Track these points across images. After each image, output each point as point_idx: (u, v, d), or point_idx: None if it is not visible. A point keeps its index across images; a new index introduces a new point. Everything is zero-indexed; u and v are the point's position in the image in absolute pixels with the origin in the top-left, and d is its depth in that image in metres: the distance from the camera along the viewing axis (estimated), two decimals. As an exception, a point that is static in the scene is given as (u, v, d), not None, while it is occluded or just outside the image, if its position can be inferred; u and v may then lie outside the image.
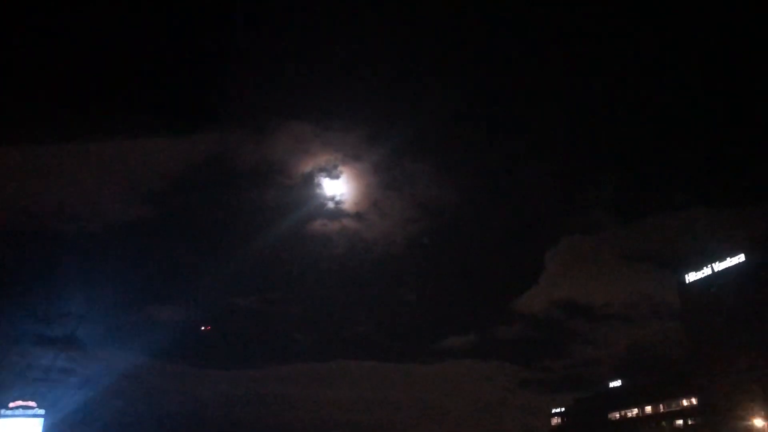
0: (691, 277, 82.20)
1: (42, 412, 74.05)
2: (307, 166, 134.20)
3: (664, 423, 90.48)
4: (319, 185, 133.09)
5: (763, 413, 69.88)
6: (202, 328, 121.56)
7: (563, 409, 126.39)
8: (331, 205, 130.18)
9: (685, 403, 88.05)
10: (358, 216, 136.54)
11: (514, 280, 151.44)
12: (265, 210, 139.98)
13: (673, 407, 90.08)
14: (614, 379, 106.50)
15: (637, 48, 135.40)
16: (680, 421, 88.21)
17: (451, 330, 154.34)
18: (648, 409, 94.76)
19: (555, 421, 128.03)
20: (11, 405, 74.41)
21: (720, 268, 78.14)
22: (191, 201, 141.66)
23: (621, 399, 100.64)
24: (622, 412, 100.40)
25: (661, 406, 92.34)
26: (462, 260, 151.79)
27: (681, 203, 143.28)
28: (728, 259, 77.07)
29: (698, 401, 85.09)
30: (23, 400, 74.10)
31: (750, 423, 70.77)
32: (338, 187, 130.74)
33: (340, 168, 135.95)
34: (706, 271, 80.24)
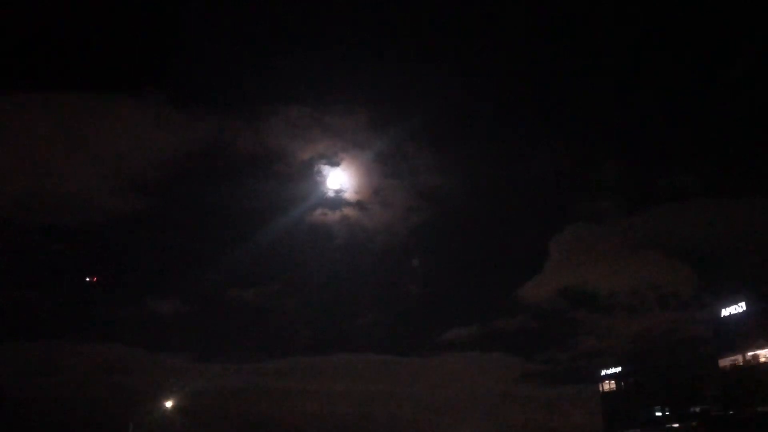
0: None
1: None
2: (306, 153, 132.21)
3: None
4: (318, 173, 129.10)
5: None
6: (87, 279, 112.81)
7: (620, 370, 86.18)
8: (331, 193, 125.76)
9: None
10: (359, 205, 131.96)
11: (518, 269, 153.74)
12: (263, 199, 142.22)
13: None
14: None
15: (643, 36, 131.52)
16: None
17: (454, 321, 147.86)
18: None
19: (607, 386, 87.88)
20: None
21: None
22: (187, 191, 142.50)
23: (746, 332, 59.93)
24: (748, 355, 59.86)
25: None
26: (465, 249, 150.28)
27: (687, 192, 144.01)
28: None
29: None
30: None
31: None
32: (338, 175, 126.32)
33: (341, 155, 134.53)
34: None
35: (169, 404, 49.08)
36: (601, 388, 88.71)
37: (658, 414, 78.36)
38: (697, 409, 73.87)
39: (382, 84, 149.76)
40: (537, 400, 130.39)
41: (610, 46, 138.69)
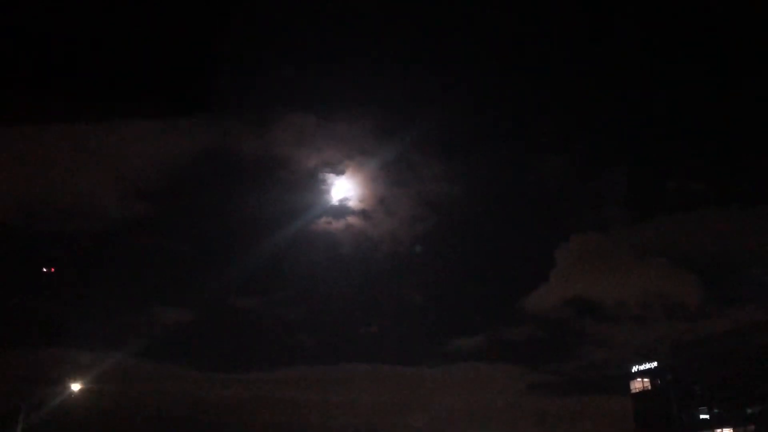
0: None
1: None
2: (310, 161, 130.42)
3: None
4: (323, 181, 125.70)
5: None
6: (44, 269, 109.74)
7: (655, 365, 73.93)
8: (335, 202, 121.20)
9: None
10: (363, 214, 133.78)
11: (524, 278, 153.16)
12: (267, 206, 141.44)
13: None
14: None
15: (650, 44, 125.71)
16: None
17: (459, 331, 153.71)
18: None
19: (639, 385, 75.69)
20: None
21: None
22: (191, 198, 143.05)
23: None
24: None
25: None
26: (470, 258, 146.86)
27: (694, 202, 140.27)
28: None
29: None
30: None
31: None
32: (343, 184, 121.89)
33: (346, 163, 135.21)
34: None
35: (76, 387, 37.79)
36: (632, 387, 76.56)
37: (705, 417, 66.22)
38: (750, 410, 62.20)
39: (389, 92, 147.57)
40: (544, 412, 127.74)
41: (617, 55, 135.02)
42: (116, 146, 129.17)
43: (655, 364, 73.84)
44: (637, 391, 75.52)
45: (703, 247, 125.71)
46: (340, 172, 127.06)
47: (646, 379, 74.95)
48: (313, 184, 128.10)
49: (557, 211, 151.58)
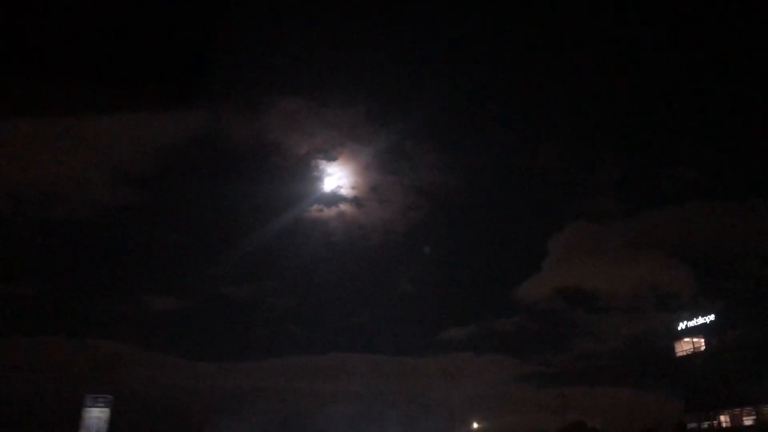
0: None
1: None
2: (302, 147, 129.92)
3: None
4: (315, 167, 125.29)
5: None
6: None
7: (712, 319, 54.47)
8: (327, 189, 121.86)
9: None
10: (356, 201, 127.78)
11: (516, 268, 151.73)
12: (257, 193, 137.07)
13: None
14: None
15: (645, 35, 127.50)
16: None
17: (450, 321, 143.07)
18: None
19: (686, 346, 56.60)
20: None
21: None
22: (180, 184, 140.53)
23: None
24: None
25: None
26: (462, 248, 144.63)
27: (689, 193, 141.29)
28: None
29: None
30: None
31: None
32: (335, 170, 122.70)
33: (338, 149, 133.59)
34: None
35: None
36: (677, 350, 57.50)
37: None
38: None
39: (383, 77, 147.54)
40: (536, 402, 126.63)
41: (612, 45, 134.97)
42: (105, 132, 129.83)
43: (711, 317, 54.51)
44: (686, 353, 56.42)
45: (697, 239, 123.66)
46: (332, 159, 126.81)
47: (698, 339, 55.78)
48: (304, 171, 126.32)
49: (551, 201, 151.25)
